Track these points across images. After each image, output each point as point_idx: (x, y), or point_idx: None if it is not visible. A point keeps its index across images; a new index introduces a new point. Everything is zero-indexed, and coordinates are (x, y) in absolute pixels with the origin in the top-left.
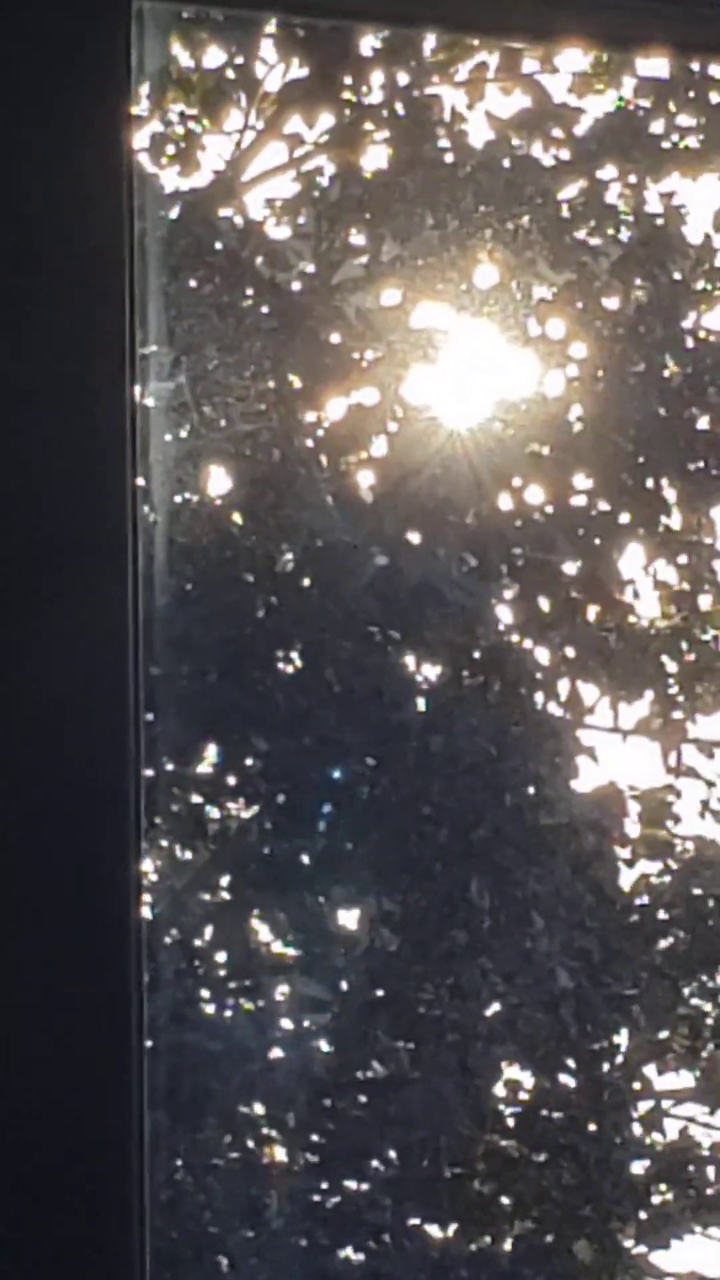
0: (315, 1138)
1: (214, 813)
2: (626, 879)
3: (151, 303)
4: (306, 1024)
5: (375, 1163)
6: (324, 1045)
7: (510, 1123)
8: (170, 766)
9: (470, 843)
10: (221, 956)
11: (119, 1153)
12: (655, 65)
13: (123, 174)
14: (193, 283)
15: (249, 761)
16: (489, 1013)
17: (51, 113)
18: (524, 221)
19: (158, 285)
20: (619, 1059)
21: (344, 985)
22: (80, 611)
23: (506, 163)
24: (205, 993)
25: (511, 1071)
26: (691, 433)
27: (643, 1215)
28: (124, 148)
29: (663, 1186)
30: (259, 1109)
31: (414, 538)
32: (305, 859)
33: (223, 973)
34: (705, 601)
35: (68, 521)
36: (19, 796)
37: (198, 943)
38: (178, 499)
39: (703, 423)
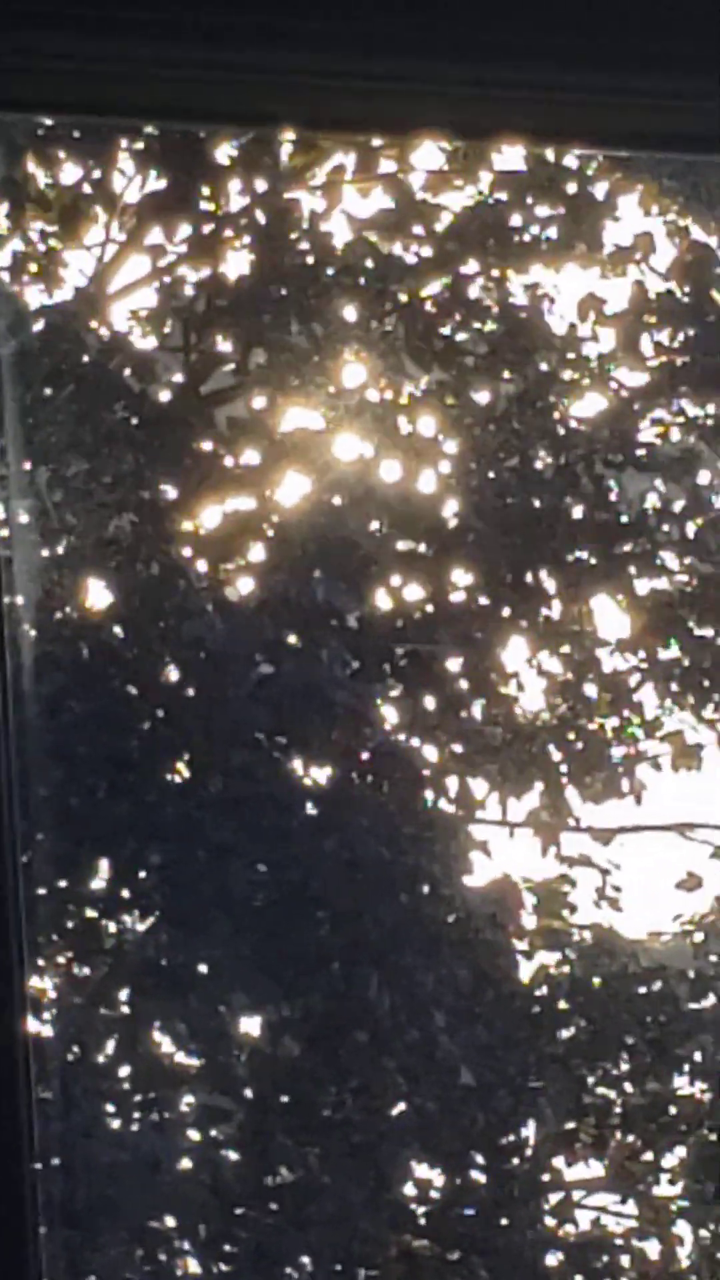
0: (227, 1247)
1: (110, 927)
2: (525, 971)
3: (13, 418)
4: (213, 1133)
5: (289, 1269)
6: (231, 1154)
7: (422, 1222)
8: (63, 883)
9: (367, 943)
10: (124, 1070)
11: (14, 1276)
12: (511, 158)
13: None
14: (49, 391)
15: (142, 874)
16: (394, 1112)
17: None
18: (389, 321)
19: (18, 398)
20: (527, 1152)
21: (248, 1093)
22: None
23: (369, 263)
24: (110, 1107)
25: (421, 1170)
26: (567, 522)
27: None
28: None
29: (577, 1278)
30: (170, 1221)
31: (295, 642)
32: (203, 968)
33: (126, 1086)
34: (590, 690)
35: None
36: None
37: (100, 1058)
38: (57, 614)
39: (577, 512)
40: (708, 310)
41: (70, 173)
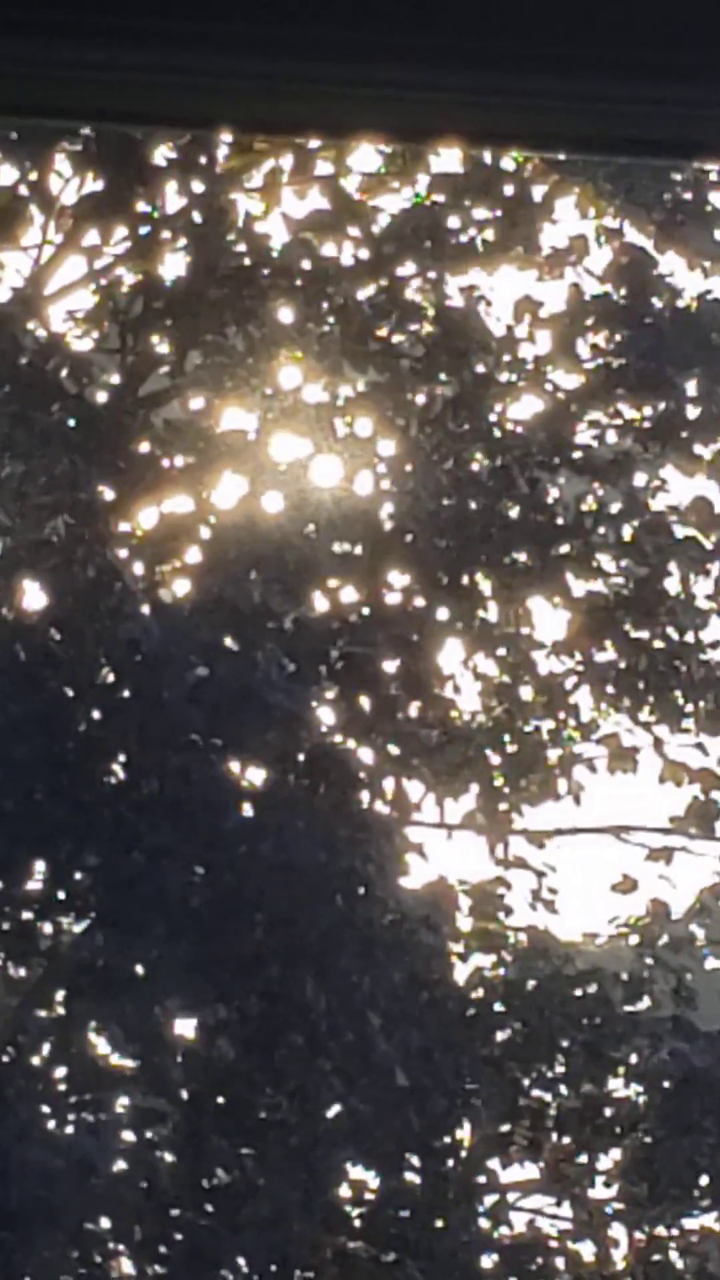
0: (163, 1249)
1: (46, 928)
2: (461, 973)
3: None
4: (148, 1135)
5: (224, 1271)
6: (167, 1156)
7: (357, 1224)
8: None
9: (303, 946)
10: (60, 1072)
11: None
12: (448, 161)
13: None
14: None
15: (78, 875)
16: (330, 1114)
17: None
18: (326, 323)
19: None
20: (462, 1154)
21: (184, 1094)
22: None
23: (306, 265)
24: (45, 1109)
25: (356, 1172)
26: (503, 525)
27: None
28: None
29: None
30: (105, 1223)
31: (232, 644)
32: (139, 970)
33: (62, 1088)
34: (526, 693)
35: None
36: None
37: (35, 1060)
38: None
39: (514, 513)
40: (644, 313)
41: (6, 174)
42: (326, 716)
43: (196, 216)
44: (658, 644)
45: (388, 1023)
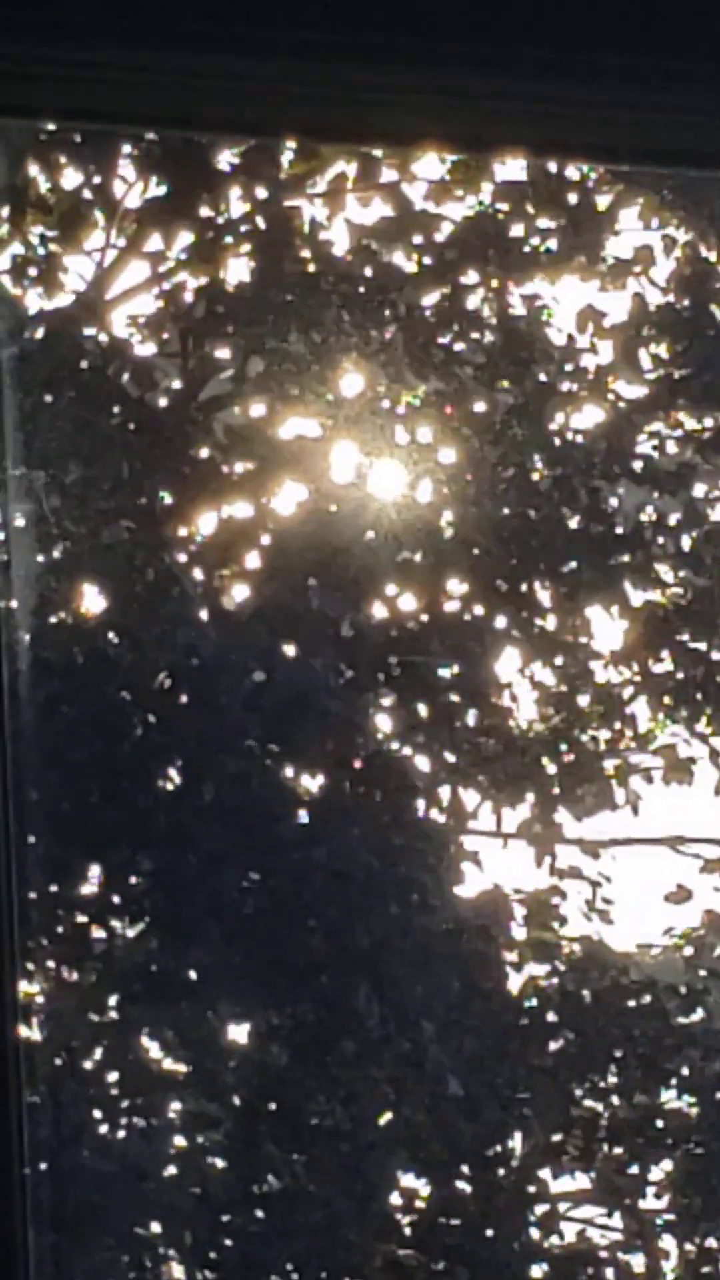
0: (213, 1255)
1: (100, 932)
2: (514, 982)
3: (12, 422)
4: (200, 1140)
5: (275, 1277)
6: (218, 1162)
7: (408, 1232)
8: (54, 888)
9: (356, 953)
10: (113, 1076)
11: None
12: (513, 169)
13: None
14: (48, 396)
15: (132, 880)
16: (382, 1122)
17: None
18: (388, 330)
19: (16, 403)
20: (514, 1163)
21: (236, 1100)
22: None
23: (369, 272)
24: (98, 1113)
25: (407, 1180)
26: (563, 533)
27: None
28: None
29: None
30: (156, 1228)
31: (290, 650)
32: (193, 975)
33: (114, 1092)
34: (583, 701)
35: None
36: None
37: (88, 1064)
38: (52, 619)
39: (573, 523)
40: (706, 324)
41: (71, 177)
42: (383, 724)
43: (260, 222)
44: (716, 655)
45: (441, 1031)
